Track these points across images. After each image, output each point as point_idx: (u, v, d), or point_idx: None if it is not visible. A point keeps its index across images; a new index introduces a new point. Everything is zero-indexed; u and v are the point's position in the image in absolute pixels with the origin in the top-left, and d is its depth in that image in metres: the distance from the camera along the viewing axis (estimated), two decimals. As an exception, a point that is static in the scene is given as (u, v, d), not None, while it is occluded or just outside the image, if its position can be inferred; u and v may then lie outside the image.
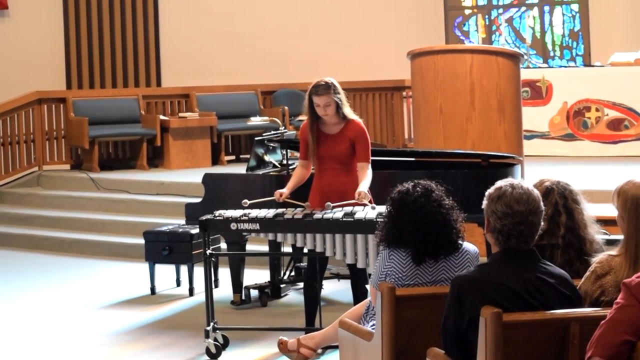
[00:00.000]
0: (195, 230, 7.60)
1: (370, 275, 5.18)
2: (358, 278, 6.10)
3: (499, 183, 3.64)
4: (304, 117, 6.27)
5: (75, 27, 12.59)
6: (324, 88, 6.05)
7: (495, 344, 3.34)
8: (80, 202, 10.63)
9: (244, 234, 6.78)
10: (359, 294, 6.05)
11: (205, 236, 6.10)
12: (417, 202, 4.36)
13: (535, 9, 14.11)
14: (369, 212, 5.81)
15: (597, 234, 4.12)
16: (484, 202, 3.64)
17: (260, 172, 7.52)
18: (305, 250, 6.19)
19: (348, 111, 6.14)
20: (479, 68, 8.16)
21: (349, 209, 5.90)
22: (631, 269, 3.57)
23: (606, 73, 11.63)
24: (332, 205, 5.88)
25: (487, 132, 8.12)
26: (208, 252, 6.06)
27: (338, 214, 5.83)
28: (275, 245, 7.36)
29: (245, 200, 6.09)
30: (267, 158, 7.72)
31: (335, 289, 7.58)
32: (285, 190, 6.12)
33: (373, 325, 4.53)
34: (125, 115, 11.96)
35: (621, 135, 11.40)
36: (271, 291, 7.49)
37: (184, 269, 7.83)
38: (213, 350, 6.05)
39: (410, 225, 4.34)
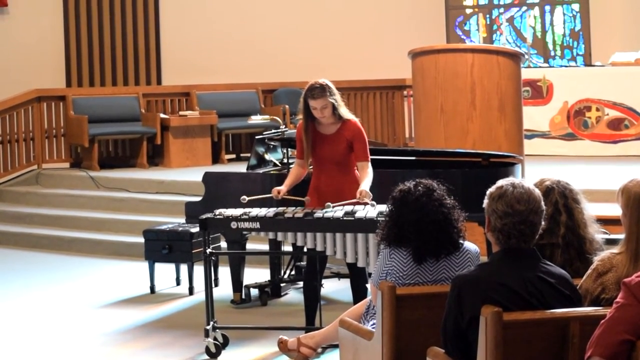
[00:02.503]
0: (195, 229, 7.59)
1: (370, 274, 5.18)
2: (358, 277, 6.10)
3: (500, 182, 3.63)
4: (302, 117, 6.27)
5: (75, 24, 12.58)
6: (320, 91, 6.04)
7: (495, 343, 3.34)
8: (79, 201, 10.62)
9: (244, 232, 6.78)
10: (359, 293, 6.04)
11: (205, 235, 6.09)
12: (419, 201, 4.36)
13: (536, 8, 14.11)
14: (370, 211, 5.81)
15: (597, 234, 4.13)
16: (485, 201, 3.63)
17: (261, 170, 7.51)
18: (306, 250, 6.18)
19: (344, 111, 6.14)
20: (480, 67, 8.16)
21: (349, 207, 5.90)
22: (632, 265, 3.58)
23: (607, 73, 11.63)
24: (332, 205, 5.88)
25: (488, 131, 8.12)
26: (208, 251, 6.05)
27: (338, 212, 5.82)
28: (275, 244, 7.36)
29: (244, 197, 6.09)
30: (267, 157, 7.71)
31: (335, 288, 7.58)
32: (283, 188, 6.13)
33: (373, 324, 4.52)
34: (125, 114, 11.95)
35: (621, 135, 11.40)
36: (271, 290, 7.48)
37: (183, 267, 7.83)
38: (213, 349, 6.04)
39: (411, 225, 4.34)
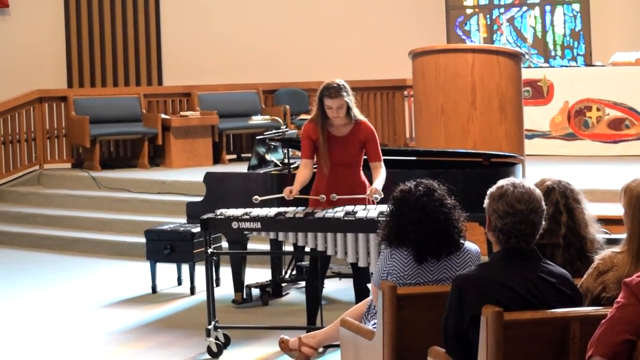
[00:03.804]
0: (196, 229, 7.60)
1: (371, 274, 5.19)
2: (361, 277, 6.10)
3: (501, 182, 3.64)
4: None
5: (77, 25, 12.59)
6: (337, 90, 6.00)
7: (496, 343, 3.35)
8: (81, 201, 10.64)
9: (245, 232, 6.79)
10: (362, 294, 6.05)
11: (207, 235, 6.10)
12: (420, 201, 4.37)
13: (537, 8, 14.11)
14: (371, 211, 5.82)
15: (598, 233, 4.14)
16: (486, 201, 3.64)
17: (262, 171, 7.52)
18: (307, 249, 6.18)
19: (357, 112, 6.12)
20: (480, 67, 8.17)
21: (350, 207, 5.91)
22: (633, 265, 3.58)
23: (607, 73, 11.63)
24: (337, 197, 5.90)
25: (489, 131, 8.13)
26: (209, 251, 6.06)
27: (339, 213, 5.83)
28: (276, 244, 7.37)
29: (256, 197, 6.07)
30: (268, 157, 7.72)
31: (336, 288, 7.58)
32: (295, 188, 6.05)
33: (374, 324, 4.53)
34: (127, 114, 11.96)
35: (622, 135, 11.41)
36: (272, 290, 7.50)
37: (185, 267, 7.84)
38: (214, 349, 6.05)
39: (412, 225, 4.35)
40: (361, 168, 6.19)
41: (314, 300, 6.24)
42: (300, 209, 6.00)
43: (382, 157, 6.17)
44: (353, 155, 6.12)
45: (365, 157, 6.20)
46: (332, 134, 6.12)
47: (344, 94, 6.00)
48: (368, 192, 5.93)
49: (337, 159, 6.10)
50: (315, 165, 6.27)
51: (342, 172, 6.10)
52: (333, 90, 5.99)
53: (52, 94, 11.88)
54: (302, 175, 6.14)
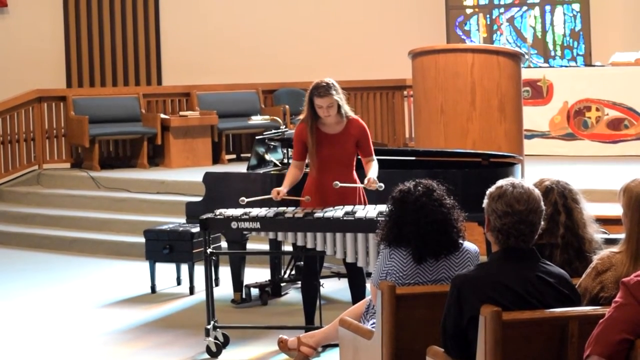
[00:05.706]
0: (195, 229, 7.60)
1: (369, 273, 5.20)
2: (356, 276, 6.11)
3: (500, 182, 3.65)
4: (302, 117, 6.27)
5: (76, 25, 12.59)
6: (326, 89, 6.02)
7: (494, 342, 3.35)
8: (80, 201, 10.64)
9: (245, 232, 6.79)
10: (357, 293, 6.06)
11: (206, 235, 6.10)
12: (419, 201, 4.37)
13: (537, 8, 14.11)
14: (370, 211, 5.82)
15: (597, 233, 4.14)
16: (485, 201, 3.65)
17: (261, 171, 7.52)
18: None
19: (347, 109, 6.15)
20: (480, 67, 8.17)
21: (349, 207, 5.91)
22: (632, 265, 3.59)
23: (607, 73, 11.64)
24: (339, 184, 5.92)
25: (488, 131, 8.14)
26: (209, 250, 6.06)
27: (339, 212, 5.84)
28: (275, 244, 7.37)
29: (243, 198, 6.09)
30: (267, 157, 7.72)
31: (335, 287, 7.59)
32: (283, 189, 6.09)
33: (373, 323, 4.54)
34: (126, 114, 11.96)
35: (621, 135, 11.42)
36: (271, 290, 7.50)
37: (184, 267, 7.84)
38: (213, 348, 6.06)
39: (411, 225, 4.35)
40: (354, 168, 6.19)
41: (310, 300, 6.25)
42: (299, 209, 6.01)
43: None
44: (348, 152, 6.14)
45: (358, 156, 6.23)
46: (325, 132, 6.14)
47: (333, 92, 6.02)
48: (366, 182, 5.97)
49: (333, 156, 6.10)
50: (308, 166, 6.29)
51: (337, 169, 6.10)
52: (322, 90, 6.01)
53: (51, 93, 11.88)
54: (292, 175, 6.17)
